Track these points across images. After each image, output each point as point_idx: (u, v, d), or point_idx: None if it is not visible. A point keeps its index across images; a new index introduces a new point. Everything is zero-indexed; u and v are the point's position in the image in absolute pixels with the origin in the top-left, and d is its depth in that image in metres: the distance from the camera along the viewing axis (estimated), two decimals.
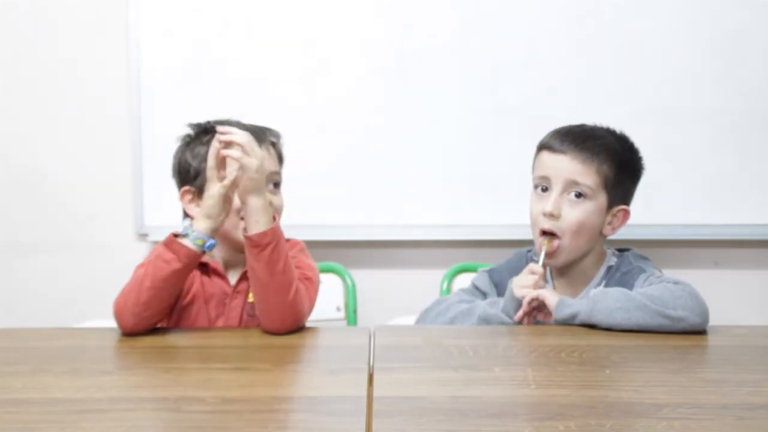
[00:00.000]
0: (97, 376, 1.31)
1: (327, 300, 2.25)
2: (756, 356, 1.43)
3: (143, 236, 2.38)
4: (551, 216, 1.71)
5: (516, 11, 2.29)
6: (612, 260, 1.78)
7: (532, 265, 1.70)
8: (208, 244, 1.52)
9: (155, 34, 2.31)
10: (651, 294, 1.56)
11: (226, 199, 1.52)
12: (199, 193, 1.62)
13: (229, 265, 1.69)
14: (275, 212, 1.60)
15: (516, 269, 1.82)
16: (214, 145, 1.51)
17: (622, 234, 1.88)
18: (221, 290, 1.66)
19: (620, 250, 1.82)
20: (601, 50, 2.30)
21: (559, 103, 2.28)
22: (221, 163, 1.52)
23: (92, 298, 2.40)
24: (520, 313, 1.64)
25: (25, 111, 2.39)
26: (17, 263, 2.44)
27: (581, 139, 1.73)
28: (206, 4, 2.30)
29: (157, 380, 1.32)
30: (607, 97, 2.29)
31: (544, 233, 1.73)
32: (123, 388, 1.28)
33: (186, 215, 1.67)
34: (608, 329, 1.55)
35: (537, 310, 1.65)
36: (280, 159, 1.71)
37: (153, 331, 1.54)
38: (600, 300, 1.56)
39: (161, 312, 1.54)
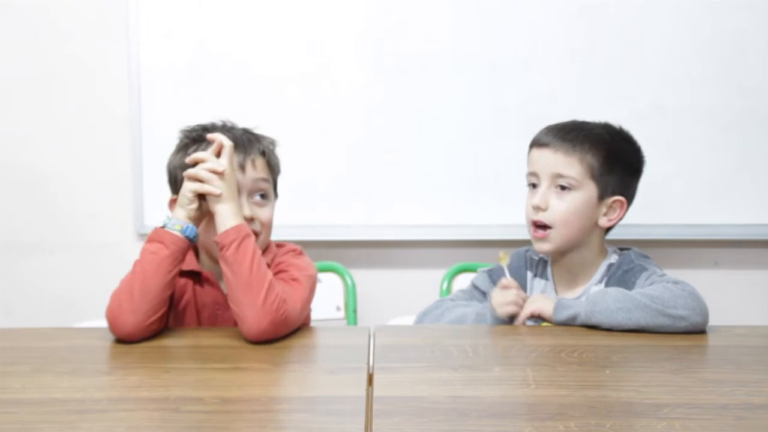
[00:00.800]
0: (97, 377, 1.31)
1: (327, 300, 2.25)
2: (756, 356, 1.43)
3: (143, 236, 2.37)
4: (539, 208, 1.72)
5: (516, 11, 2.29)
6: (613, 258, 1.78)
7: (504, 280, 1.69)
8: (186, 228, 1.51)
9: (155, 34, 2.31)
10: (651, 294, 1.56)
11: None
12: None
13: (220, 276, 1.68)
14: (261, 226, 1.59)
15: (515, 268, 1.83)
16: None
17: (622, 234, 1.88)
18: (213, 300, 1.64)
19: (622, 249, 1.82)
20: (600, 50, 2.30)
21: (559, 103, 2.28)
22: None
23: (92, 298, 2.39)
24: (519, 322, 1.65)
25: (25, 111, 2.39)
26: (17, 263, 2.44)
27: (565, 132, 1.75)
28: (206, 4, 2.30)
29: (156, 380, 1.32)
30: (607, 97, 2.30)
31: (542, 241, 1.75)
32: (122, 389, 1.28)
33: None
34: (609, 330, 1.55)
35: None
36: (271, 168, 1.66)
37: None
38: (599, 301, 1.56)
39: (157, 306, 1.49)
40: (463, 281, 2.15)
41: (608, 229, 1.80)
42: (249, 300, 1.46)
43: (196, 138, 1.64)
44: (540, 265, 1.84)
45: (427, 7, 2.30)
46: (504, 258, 1.73)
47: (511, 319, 1.65)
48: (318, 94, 2.32)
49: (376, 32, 2.31)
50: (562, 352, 1.42)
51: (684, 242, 2.39)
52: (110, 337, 1.52)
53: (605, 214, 1.75)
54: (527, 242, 1.85)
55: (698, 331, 1.55)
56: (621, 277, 1.73)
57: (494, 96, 2.31)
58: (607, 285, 1.73)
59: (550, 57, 2.30)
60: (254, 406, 1.19)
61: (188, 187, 1.52)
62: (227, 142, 1.54)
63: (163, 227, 1.52)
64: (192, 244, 1.55)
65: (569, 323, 1.57)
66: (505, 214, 2.30)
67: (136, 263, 1.51)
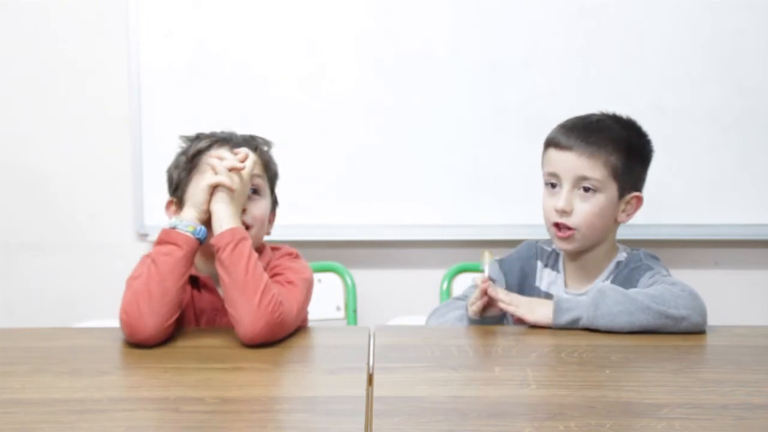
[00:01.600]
0: (97, 377, 1.31)
1: (327, 300, 2.25)
2: (756, 356, 1.43)
3: (143, 236, 2.38)
4: (563, 212, 1.71)
5: (516, 11, 2.29)
6: (622, 256, 1.78)
7: (474, 277, 1.67)
8: (198, 229, 1.51)
9: (155, 34, 2.31)
10: (651, 294, 1.56)
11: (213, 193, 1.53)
12: (180, 203, 1.63)
13: (218, 281, 1.66)
14: (253, 220, 1.59)
15: (525, 259, 1.83)
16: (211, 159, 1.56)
17: (621, 234, 1.88)
18: (211, 305, 1.63)
19: (632, 250, 1.82)
20: (601, 50, 2.30)
21: (559, 103, 2.27)
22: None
23: (92, 298, 2.40)
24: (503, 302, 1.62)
25: (25, 111, 2.39)
26: (17, 263, 2.44)
27: (587, 134, 1.73)
28: (206, 4, 2.30)
29: (156, 380, 1.32)
30: (607, 97, 2.28)
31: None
32: (122, 389, 1.28)
33: None
34: (610, 332, 1.54)
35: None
36: (265, 166, 1.66)
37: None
38: (601, 304, 1.55)
39: (175, 308, 1.48)
40: (463, 281, 2.15)
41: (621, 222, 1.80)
42: (244, 302, 1.45)
43: (194, 141, 1.65)
44: (552, 257, 1.83)
45: (427, 7, 2.30)
46: (488, 257, 1.70)
47: (490, 319, 1.64)
48: (318, 94, 2.32)
49: (376, 32, 2.31)
50: (562, 352, 1.42)
51: (684, 242, 2.39)
52: (111, 336, 1.52)
53: (623, 210, 1.76)
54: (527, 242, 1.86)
55: (698, 331, 1.55)
56: (627, 275, 1.73)
57: (494, 96, 2.31)
58: (613, 282, 1.73)
59: (550, 57, 2.30)
60: (254, 406, 1.19)
61: (206, 180, 1.52)
62: (252, 155, 1.56)
63: (173, 228, 1.51)
64: (201, 245, 1.54)
65: (570, 326, 1.56)
66: (505, 214, 2.30)
67: (150, 265, 1.49)
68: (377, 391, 1.23)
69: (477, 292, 1.61)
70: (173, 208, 1.66)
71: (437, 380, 1.29)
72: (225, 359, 1.39)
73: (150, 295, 1.46)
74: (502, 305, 1.60)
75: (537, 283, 1.82)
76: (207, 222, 1.53)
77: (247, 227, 1.56)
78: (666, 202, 2.32)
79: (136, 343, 1.45)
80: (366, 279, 2.33)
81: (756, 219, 2.34)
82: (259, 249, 1.62)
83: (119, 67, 2.34)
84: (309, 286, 1.60)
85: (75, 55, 2.37)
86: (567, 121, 1.78)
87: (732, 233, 2.36)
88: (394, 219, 2.36)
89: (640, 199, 1.77)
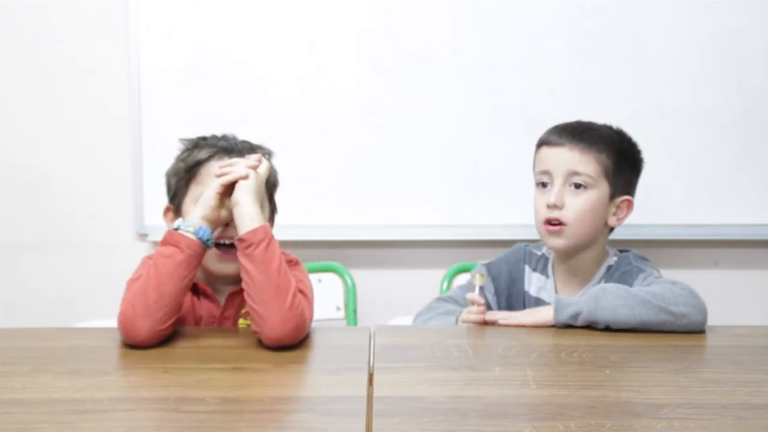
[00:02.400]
0: (97, 377, 1.31)
1: (327, 300, 2.25)
2: (756, 356, 1.43)
3: (143, 236, 2.38)
4: (555, 207, 1.72)
5: (516, 11, 2.29)
6: (612, 260, 1.79)
7: (469, 295, 1.68)
8: (200, 230, 1.48)
9: (155, 34, 2.31)
10: (652, 291, 1.57)
11: (224, 193, 1.52)
12: (177, 211, 1.62)
13: (216, 290, 1.65)
14: None
15: (513, 263, 1.84)
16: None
17: (622, 234, 1.88)
18: (209, 312, 1.63)
19: (620, 251, 1.83)
20: (601, 50, 2.30)
21: (559, 103, 2.28)
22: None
23: (92, 298, 2.40)
24: (499, 319, 1.63)
25: (25, 111, 2.39)
26: (17, 263, 2.44)
27: (578, 131, 1.77)
28: (206, 4, 2.30)
29: (156, 380, 1.32)
30: (607, 97, 2.29)
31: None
32: (122, 389, 1.28)
33: None
34: (608, 329, 1.55)
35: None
36: (270, 196, 1.67)
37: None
38: (601, 298, 1.56)
39: (172, 311, 1.46)
40: (463, 281, 2.15)
41: (611, 229, 1.81)
42: (276, 302, 1.43)
43: (193, 147, 1.64)
44: (541, 261, 1.84)
45: (427, 7, 2.30)
46: (479, 279, 1.72)
47: None
48: (318, 94, 2.32)
49: (376, 32, 2.31)
50: (562, 352, 1.42)
51: (684, 242, 2.39)
52: (111, 336, 1.51)
53: (614, 214, 1.77)
54: (528, 242, 1.86)
55: (698, 329, 1.55)
56: (618, 279, 1.73)
57: (494, 96, 2.31)
58: None
59: (550, 57, 2.30)
60: (255, 406, 1.19)
61: (217, 182, 1.51)
62: (264, 161, 1.57)
63: (176, 229, 1.49)
64: (207, 249, 1.51)
65: (571, 322, 1.57)
66: (505, 214, 2.30)
67: (150, 267, 1.48)
68: (377, 391, 1.23)
69: (473, 317, 1.63)
70: (170, 215, 1.65)
71: (437, 380, 1.29)
72: (225, 359, 1.39)
73: (146, 298, 1.44)
74: (502, 323, 1.61)
75: (526, 288, 1.83)
76: (214, 223, 1.52)
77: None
78: (666, 202, 2.33)
79: (132, 345, 1.45)
80: (366, 279, 2.33)
81: (756, 219, 2.34)
82: None
83: (119, 67, 2.34)
84: (313, 297, 1.59)
85: (75, 55, 2.37)
86: (558, 124, 1.81)
87: (732, 233, 2.36)
88: (394, 219, 2.36)
89: (631, 204, 1.78)
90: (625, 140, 1.81)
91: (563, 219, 1.73)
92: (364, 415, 1.14)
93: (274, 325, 1.42)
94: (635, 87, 2.30)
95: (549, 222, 1.74)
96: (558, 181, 1.74)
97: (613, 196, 1.76)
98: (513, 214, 2.29)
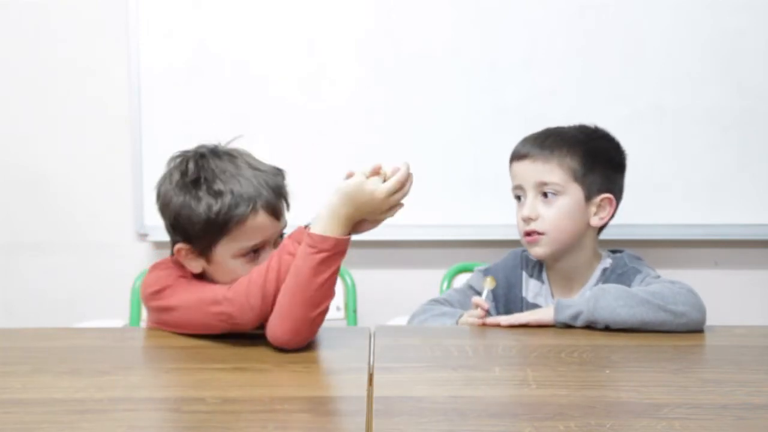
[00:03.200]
0: (97, 376, 1.30)
1: None
2: (756, 356, 1.43)
3: (143, 236, 2.38)
4: (529, 219, 1.74)
5: (516, 11, 2.29)
6: (607, 262, 1.79)
7: (475, 298, 1.68)
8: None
9: (155, 34, 2.31)
10: (651, 290, 1.58)
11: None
12: (201, 252, 1.49)
13: None
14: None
15: (511, 269, 1.84)
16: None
17: (622, 234, 1.88)
18: None
19: (613, 252, 1.83)
20: (601, 50, 2.30)
21: (559, 103, 2.28)
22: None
23: (92, 298, 2.41)
24: (502, 321, 1.63)
25: (25, 111, 2.39)
26: (17, 263, 2.44)
27: (541, 140, 1.78)
28: (206, 4, 2.30)
29: (156, 380, 1.32)
30: (607, 97, 2.30)
31: (487, 275, 1.79)
32: (123, 388, 1.28)
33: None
34: (608, 329, 1.55)
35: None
36: (288, 207, 1.57)
37: (154, 329, 1.54)
38: (600, 298, 1.56)
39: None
40: (463, 281, 2.15)
41: (601, 229, 1.81)
42: (304, 308, 1.39)
43: (198, 180, 1.48)
44: (536, 267, 1.85)
45: (427, 8, 2.30)
46: (490, 283, 1.73)
47: None
48: (318, 94, 2.32)
49: (376, 32, 2.31)
50: (562, 352, 1.42)
51: (684, 242, 2.39)
52: (111, 336, 1.52)
53: (596, 214, 1.77)
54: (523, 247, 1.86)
55: (697, 328, 1.56)
56: (616, 281, 1.73)
57: (494, 96, 2.31)
58: None
59: (550, 57, 2.30)
60: (255, 406, 1.19)
61: (385, 207, 1.54)
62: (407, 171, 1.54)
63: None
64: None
65: (571, 322, 1.57)
66: (505, 214, 2.28)
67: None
68: (377, 391, 1.23)
69: (472, 320, 1.63)
70: (191, 256, 1.50)
71: (437, 380, 1.29)
72: (225, 359, 1.39)
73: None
74: (504, 323, 1.61)
75: (523, 294, 1.84)
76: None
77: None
78: (666, 202, 2.33)
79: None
80: (366, 279, 2.33)
81: (756, 219, 2.34)
82: None
83: (119, 67, 2.34)
84: None
85: (75, 55, 2.37)
86: (528, 135, 1.83)
87: (732, 233, 2.36)
88: (394, 219, 2.35)
89: (612, 201, 1.77)
90: (595, 138, 1.80)
91: (540, 230, 1.74)
92: (364, 415, 1.13)
93: (289, 328, 1.40)
94: (635, 87, 2.30)
95: (528, 234, 1.75)
96: (530, 194, 1.76)
97: (589, 197, 1.76)
98: (513, 214, 2.28)
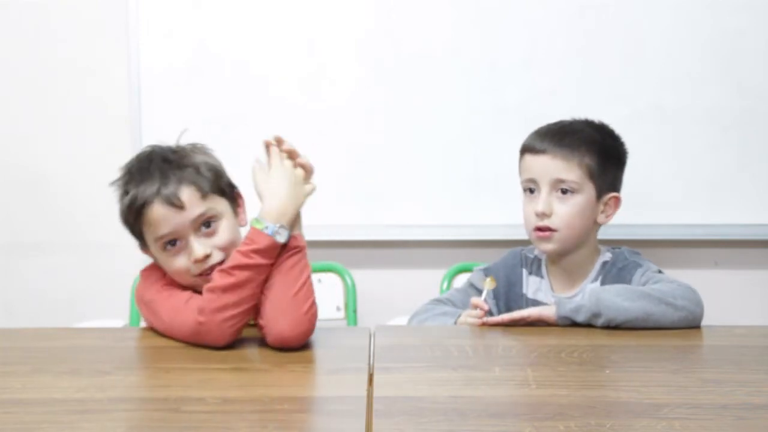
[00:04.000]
0: (97, 377, 1.31)
1: (327, 300, 2.25)
2: (756, 356, 1.43)
3: None
4: (543, 215, 1.73)
5: (516, 11, 2.29)
6: (607, 256, 1.80)
7: (473, 299, 1.68)
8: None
9: (155, 34, 2.31)
10: (650, 287, 1.61)
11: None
12: (147, 250, 1.56)
13: None
14: (223, 252, 1.50)
15: (511, 267, 1.85)
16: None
17: (621, 234, 1.88)
18: None
19: (612, 247, 1.83)
20: (601, 50, 2.30)
21: (559, 103, 2.27)
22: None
23: (92, 298, 2.40)
24: (504, 318, 1.63)
25: (25, 111, 2.39)
26: (17, 263, 2.44)
27: (559, 136, 1.77)
28: (206, 4, 2.30)
29: (156, 380, 1.32)
30: (607, 97, 2.29)
31: (487, 275, 1.79)
32: (123, 389, 1.28)
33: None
34: (608, 328, 1.55)
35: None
36: (204, 192, 1.51)
37: (152, 330, 1.54)
38: (602, 293, 1.58)
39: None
40: (463, 281, 2.15)
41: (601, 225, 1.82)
42: (296, 308, 1.43)
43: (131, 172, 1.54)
44: (535, 263, 1.85)
45: (427, 7, 2.30)
46: (490, 284, 1.73)
47: None
48: (318, 94, 2.32)
49: (376, 32, 2.31)
50: (562, 352, 1.42)
51: (684, 242, 2.39)
52: (110, 337, 1.52)
53: (603, 212, 1.78)
54: (527, 242, 1.86)
55: (696, 323, 1.57)
56: (616, 275, 1.74)
57: (494, 96, 2.31)
58: (602, 283, 1.75)
59: (550, 57, 2.30)
60: (255, 406, 1.19)
61: (304, 192, 1.58)
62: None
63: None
64: None
65: (573, 316, 1.57)
66: (505, 214, 2.30)
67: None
68: (377, 391, 1.23)
69: (471, 320, 1.63)
70: (146, 252, 1.58)
71: (437, 380, 1.29)
72: (225, 359, 1.39)
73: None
74: (506, 319, 1.61)
75: (524, 291, 1.84)
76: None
77: (215, 266, 1.48)
78: (666, 202, 2.33)
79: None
80: (366, 279, 2.33)
81: (756, 219, 2.34)
82: None
83: (119, 67, 2.34)
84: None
85: (75, 55, 2.37)
86: (540, 127, 1.82)
87: (732, 233, 2.36)
88: (394, 219, 2.36)
89: (618, 200, 1.79)
90: (607, 137, 1.81)
91: (553, 226, 1.74)
92: (364, 415, 1.14)
93: (286, 326, 1.43)
94: (635, 87, 2.30)
95: (539, 229, 1.75)
96: (544, 189, 1.75)
97: (599, 196, 1.76)
98: (513, 214, 2.26)
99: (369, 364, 1.36)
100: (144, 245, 1.56)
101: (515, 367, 1.38)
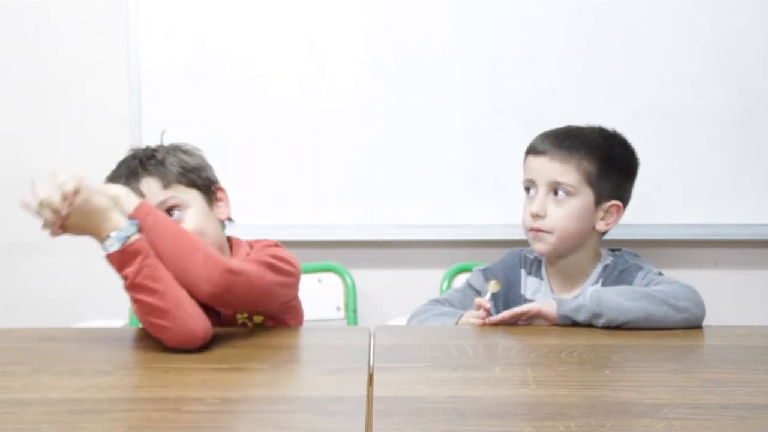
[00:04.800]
0: (97, 377, 1.31)
1: (327, 300, 2.25)
2: (756, 356, 1.43)
3: None
4: (537, 216, 1.73)
5: (516, 11, 2.29)
6: (608, 259, 1.79)
7: (477, 300, 1.68)
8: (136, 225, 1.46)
9: (155, 34, 2.31)
10: (652, 288, 1.60)
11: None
12: None
13: None
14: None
15: (510, 268, 1.84)
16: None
17: (621, 234, 1.88)
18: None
19: (612, 250, 1.83)
20: (601, 50, 2.30)
21: (559, 103, 2.28)
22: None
23: (92, 298, 2.40)
24: (505, 315, 1.63)
25: (25, 111, 2.39)
26: (17, 263, 2.44)
27: (560, 139, 1.77)
28: (206, 4, 2.30)
29: (156, 380, 1.32)
30: (607, 97, 2.29)
31: (488, 280, 1.78)
32: (122, 389, 1.28)
33: None
34: (609, 328, 1.55)
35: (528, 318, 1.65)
36: (168, 179, 1.57)
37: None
38: (603, 293, 1.58)
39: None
40: (463, 281, 2.15)
41: (604, 233, 1.81)
42: (189, 263, 1.42)
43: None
44: (535, 264, 1.85)
45: (427, 7, 2.29)
46: (494, 286, 1.72)
47: None
48: (318, 94, 2.32)
49: (376, 32, 2.31)
50: (562, 352, 1.42)
51: (684, 242, 2.39)
52: (111, 336, 1.52)
53: (602, 219, 1.77)
54: (527, 243, 1.86)
55: (697, 324, 1.57)
56: (617, 278, 1.74)
57: (494, 96, 2.31)
58: (603, 285, 1.74)
59: (550, 57, 2.30)
60: (255, 406, 1.19)
61: (77, 207, 1.45)
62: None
63: (126, 241, 1.43)
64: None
65: (574, 315, 1.57)
66: (505, 214, 2.29)
67: (144, 292, 1.42)
68: (377, 391, 1.23)
69: (472, 320, 1.63)
70: None
71: (437, 380, 1.29)
72: (225, 359, 1.39)
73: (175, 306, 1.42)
74: (508, 316, 1.61)
75: (522, 292, 1.84)
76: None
77: None
78: (666, 202, 2.33)
79: (195, 348, 1.42)
80: (366, 279, 2.33)
81: (756, 219, 2.34)
82: (231, 246, 1.62)
83: (119, 67, 2.34)
84: (280, 258, 1.55)
85: (75, 55, 2.37)
86: (548, 130, 1.81)
87: (732, 233, 2.36)
88: (394, 219, 2.36)
89: (620, 209, 1.78)
90: (615, 145, 1.80)
91: (545, 228, 1.74)
92: (364, 415, 1.13)
93: (201, 282, 1.42)
94: (635, 87, 2.30)
95: (533, 229, 1.75)
96: (541, 190, 1.75)
97: (599, 202, 1.76)
98: (513, 214, 2.27)
99: (369, 364, 1.36)
100: None
101: (515, 367, 1.38)
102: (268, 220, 2.28)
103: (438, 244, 2.40)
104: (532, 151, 1.79)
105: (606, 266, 1.78)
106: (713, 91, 2.30)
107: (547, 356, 1.42)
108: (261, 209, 2.27)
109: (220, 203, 1.65)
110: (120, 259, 1.43)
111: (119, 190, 1.51)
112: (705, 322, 1.59)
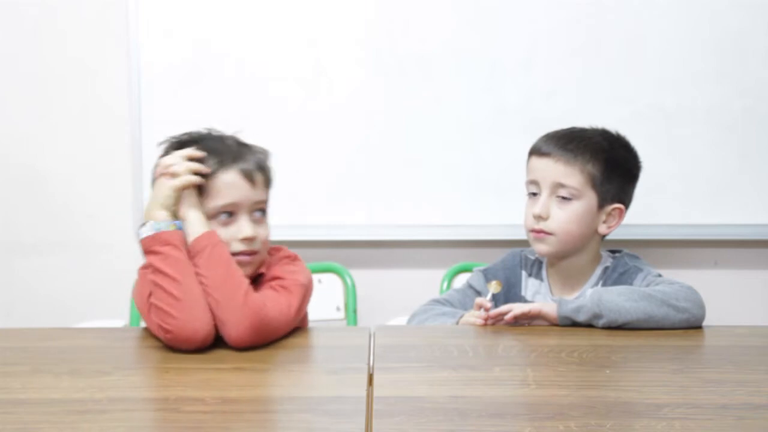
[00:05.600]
0: (97, 377, 1.30)
1: (327, 300, 2.25)
2: (756, 356, 1.43)
3: None
4: (540, 218, 1.73)
5: (516, 11, 2.29)
6: (608, 261, 1.79)
7: (478, 300, 1.68)
8: (179, 223, 1.49)
9: (155, 34, 2.31)
10: (653, 288, 1.60)
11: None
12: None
13: None
14: (261, 245, 1.54)
15: (510, 268, 1.84)
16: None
17: (621, 234, 1.88)
18: None
19: (612, 251, 1.83)
20: (601, 50, 2.30)
21: (559, 103, 2.28)
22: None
23: (92, 298, 2.41)
24: (507, 313, 1.63)
25: (25, 111, 2.39)
26: (17, 263, 2.44)
27: (565, 141, 1.76)
28: (206, 4, 2.30)
29: (156, 380, 1.32)
30: (607, 98, 2.30)
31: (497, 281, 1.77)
32: (122, 389, 1.28)
33: None
34: (609, 328, 1.55)
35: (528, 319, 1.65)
36: (268, 183, 1.60)
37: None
38: (604, 293, 1.58)
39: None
40: (463, 281, 2.15)
41: (605, 235, 1.81)
42: (228, 303, 1.43)
43: (182, 143, 1.61)
44: (535, 266, 1.85)
45: (427, 7, 2.30)
46: (496, 287, 1.72)
47: None
48: (317, 95, 2.32)
49: (376, 32, 2.31)
50: (562, 352, 1.42)
51: (684, 242, 2.39)
52: (111, 336, 1.52)
53: (605, 222, 1.77)
54: (527, 243, 1.86)
55: (698, 324, 1.57)
56: (617, 280, 1.74)
57: (494, 96, 2.31)
58: (603, 287, 1.74)
59: (550, 57, 2.30)
60: (255, 406, 1.19)
61: (168, 185, 1.49)
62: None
63: (159, 232, 1.47)
64: None
65: (574, 315, 1.57)
66: (505, 214, 2.30)
67: (159, 277, 1.44)
68: (377, 391, 1.23)
69: (472, 320, 1.63)
70: None
71: (437, 380, 1.29)
72: (225, 359, 1.39)
73: (184, 302, 1.42)
74: (508, 317, 1.61)
75: (522, 293, 1.84)
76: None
77: (255, 253, 1.53)
78: (666, 202, 2.33)
79: (192, 349, 1.42)
80: (366, 279, 2.33)
81: (756, 219, 2.34)
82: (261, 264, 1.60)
83: (119, 66, 2.34)
84: (305, 290, 1.56)
85: (75, 55, 2.37)
86: (552, 131, 1.81)
87: (732, 233, 2.36)
88: (394, 219, 2.36)
89: (622, 212, 1.78)
90: (619, 148, 1.80)
91: (548, 230, 1.74)
92: (364, 415, 1.14)
93: (231, 326, 1.42)
94: (635, 87, 2.30)
95: (535, 231, 1.75)
96: (544, 192, 1.75)
97: (602, 205, 1.76)
98: (513, 214, 2.27)
99: (369, 364, 1.36)
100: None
101: (515, 367, 1.38)
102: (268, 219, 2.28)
103: (438, 244, 2.40)
104: (536, 152, 1.78)
105: (606, 268, 1.78)
106: (713, 91, 2.30)
107: (547, 356, 1.42)
108: None
109: None
110: (148, 244, 1.48)
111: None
112: (705, 322, 1.59)
